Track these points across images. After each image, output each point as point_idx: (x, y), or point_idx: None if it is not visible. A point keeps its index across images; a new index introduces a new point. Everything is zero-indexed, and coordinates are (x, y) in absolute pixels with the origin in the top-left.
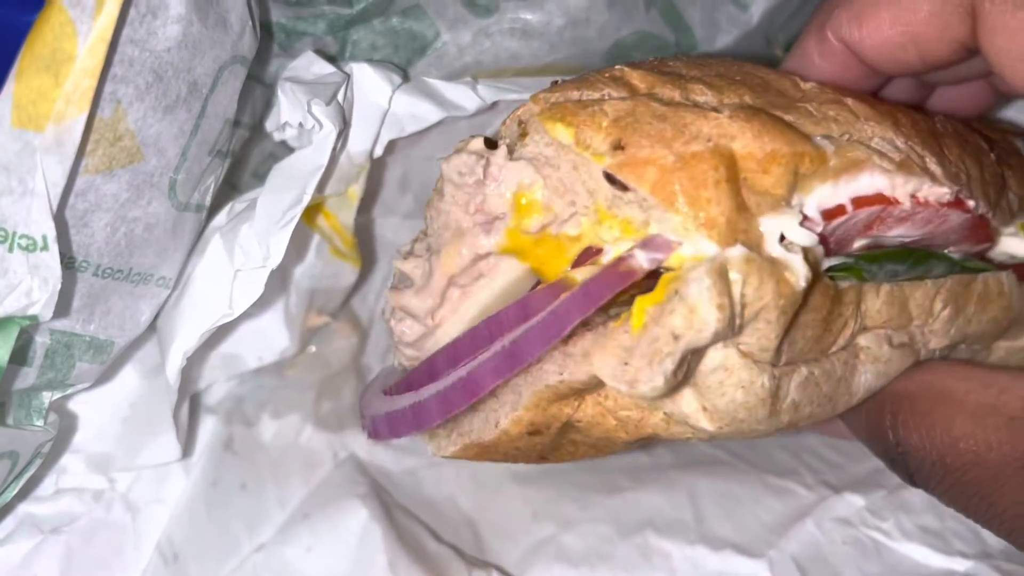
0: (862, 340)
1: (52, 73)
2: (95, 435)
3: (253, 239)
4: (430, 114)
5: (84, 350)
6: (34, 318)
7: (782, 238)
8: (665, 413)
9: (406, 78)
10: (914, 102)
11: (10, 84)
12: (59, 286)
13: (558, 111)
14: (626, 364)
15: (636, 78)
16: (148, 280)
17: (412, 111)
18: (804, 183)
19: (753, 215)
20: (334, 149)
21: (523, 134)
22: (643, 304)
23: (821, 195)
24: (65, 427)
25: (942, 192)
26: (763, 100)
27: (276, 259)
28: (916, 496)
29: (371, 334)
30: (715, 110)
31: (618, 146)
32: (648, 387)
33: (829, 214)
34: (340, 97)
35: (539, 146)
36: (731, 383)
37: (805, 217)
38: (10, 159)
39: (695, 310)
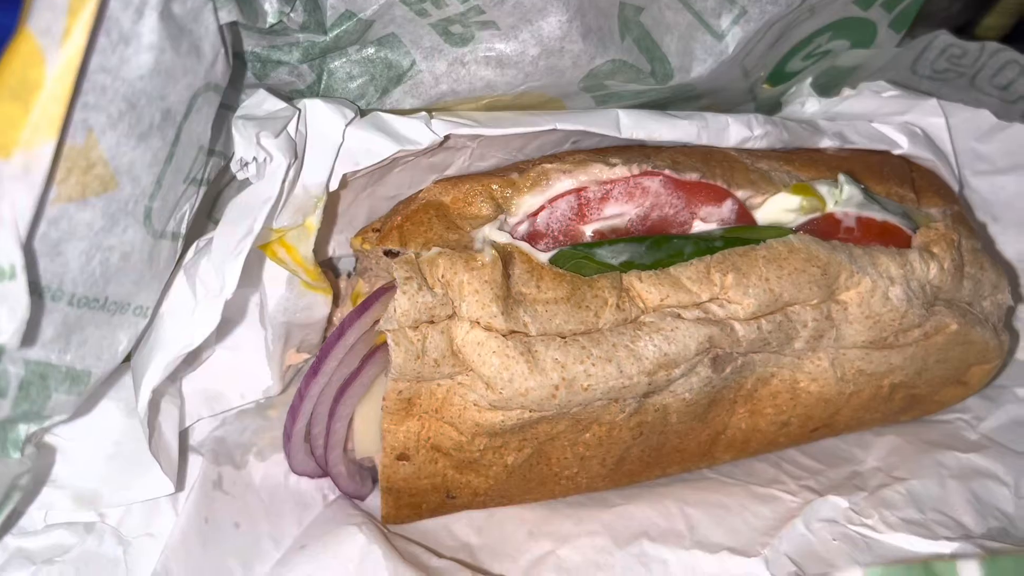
0: (646, 318)
1: (20, 101)
2: (80, 472)
3: (211, 271)
4: (383, 148)
5: (60, 381)
6: (0, 348)
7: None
8: (474, 404)
9: (361, 114)
10: None
11: None
12: (27, 315)
13: (358, 235)
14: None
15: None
16: (125, 309)
17: (366, 145)
18: (508, 203)
19: (466, 231)
20: (285, 180)
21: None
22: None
23: (527, 205)
24: (46, 461)
25: (622, 170)
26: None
27: (230, 288)
28: (895, 494)
29: None
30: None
31: (378, 230)
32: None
33: (532, 214)
34: (292, 130)
35: (360, 260)
36: (487, 352)
37: (518, 224)
38: None
39: (397, 296)
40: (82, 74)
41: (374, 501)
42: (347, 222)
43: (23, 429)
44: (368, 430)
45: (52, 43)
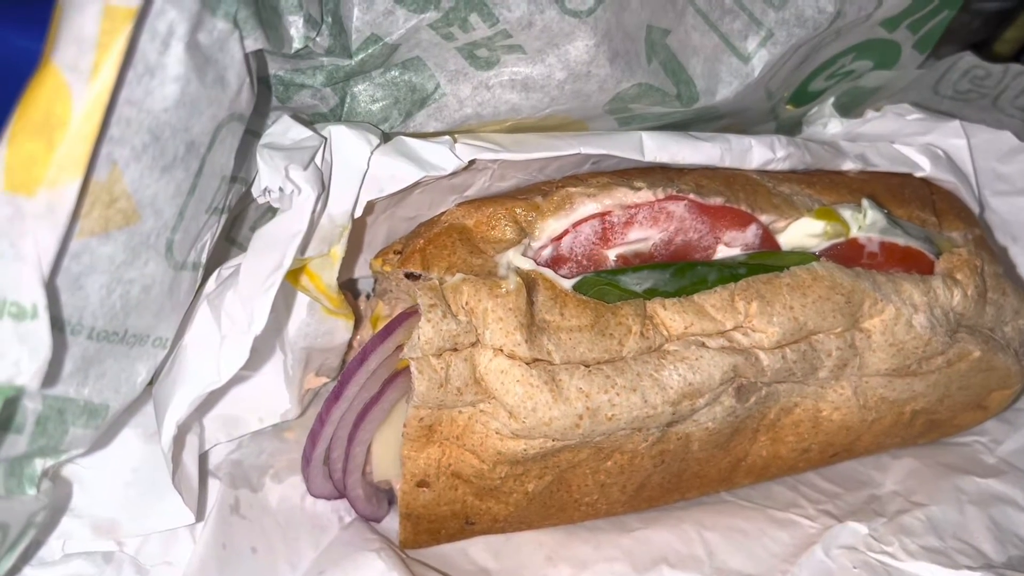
0: (670, 346)
1: (45, 138)
2: (98, 501)
3: (237, 305)
4: (408, 174)
5: (77, 415)
6: (20, 389)
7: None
8: (496, 432)
9: (385, 138)
10: None
11: (2, 147)
12: (49, 356)
13: (378, 256)
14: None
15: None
16: (144, 341)
17: (391, 172)
18: (532, 227)
19: (489, 256)
20: (313, 212)
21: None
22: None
23: (550, 229)
24: (62, 493)
25: (647, 194)
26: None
27: (259, 325)
28: (915, 520)
29: None
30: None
31: (399, 252)
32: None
33: (556, 239)
34: (318, 160)
35: (380, 281)
36: (511, 381)
37: (541, 248)
38: (1, 223)
39: (421, 323)
40: (109, 110)
41: (390, 523)
42: (366, 243)
43: (39, 464)
44: (387, 454)
45: (79, 79)
